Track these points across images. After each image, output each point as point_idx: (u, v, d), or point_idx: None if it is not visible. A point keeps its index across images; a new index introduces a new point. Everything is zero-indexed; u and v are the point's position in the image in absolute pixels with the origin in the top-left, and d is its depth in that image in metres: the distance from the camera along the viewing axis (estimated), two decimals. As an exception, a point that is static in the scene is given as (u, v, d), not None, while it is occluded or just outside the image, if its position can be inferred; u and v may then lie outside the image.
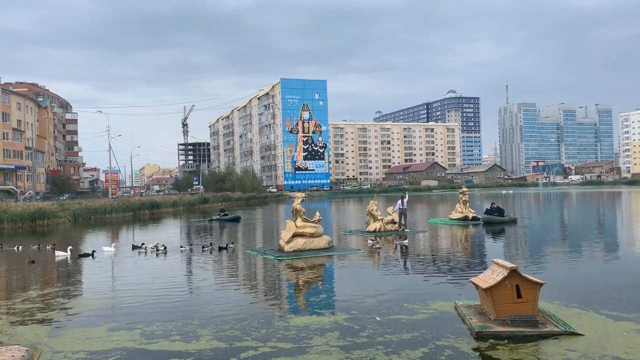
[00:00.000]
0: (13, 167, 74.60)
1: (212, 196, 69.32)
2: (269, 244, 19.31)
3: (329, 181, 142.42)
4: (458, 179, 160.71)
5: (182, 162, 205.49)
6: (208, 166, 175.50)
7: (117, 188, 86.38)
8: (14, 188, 68.27)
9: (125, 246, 20.40)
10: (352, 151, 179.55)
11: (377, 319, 8.22)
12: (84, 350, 7.03)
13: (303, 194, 18.31)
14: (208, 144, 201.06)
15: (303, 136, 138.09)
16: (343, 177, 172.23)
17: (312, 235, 16.75)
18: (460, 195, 27.39)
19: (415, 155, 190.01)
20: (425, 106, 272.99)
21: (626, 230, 23.29)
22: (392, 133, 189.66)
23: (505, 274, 7.42)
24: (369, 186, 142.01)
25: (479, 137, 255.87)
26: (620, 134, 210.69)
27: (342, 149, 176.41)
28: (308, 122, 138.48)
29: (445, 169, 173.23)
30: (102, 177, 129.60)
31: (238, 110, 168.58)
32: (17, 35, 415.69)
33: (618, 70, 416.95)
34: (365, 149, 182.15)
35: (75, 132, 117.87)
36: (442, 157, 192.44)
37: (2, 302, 10.47)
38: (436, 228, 24.75)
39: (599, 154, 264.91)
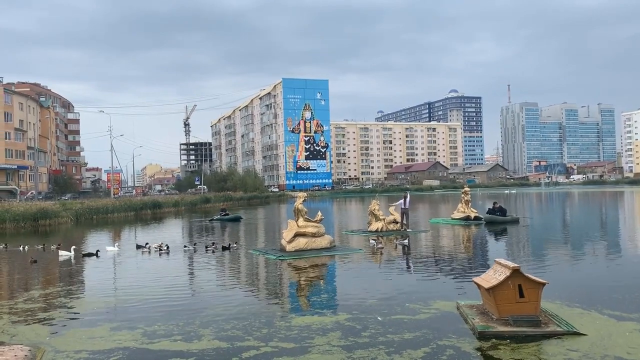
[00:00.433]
0: (15, 167, 74.72)
1: (214, 196, 69.38)
2: (270, 244, 19.32)
3: (330, 181, 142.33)
4: (460, 179, 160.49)
5: (184, 162, 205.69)
6: (210, 166, 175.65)
7: (119, 188, 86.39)
8: (16, 188, 68.40)
9: (128, 246, 20.44)
10: (354, 151, 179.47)
11: (379, 318, 8.21)
12: (86, 349, 7.03)
13: (305, 194, 18.30)
14: (210, 143, 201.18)
15: (305, 136, 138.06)
16: (345, 177, 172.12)
17: (314, 235, 16.74)
18: (463, 195, 27.37)
19: (417, 155, 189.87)
20: (427, 106, 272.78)
21: (628, 230, 23.25)
22: (394, 133, 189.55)
23: (508, 273, 7.41)
24: (370, 186, 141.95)
25: (481, 136, 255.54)
26: (623, 134, 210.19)
27: (343, 149, 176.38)
28: (310, 122, 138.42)
29: (447, 168, 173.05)
30: (104, 177, 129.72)
31: (240, 110, 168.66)
32: (19, 35, 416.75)
33: (620, 69, 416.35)
34: (367, 148, 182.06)
35: (77, 132, 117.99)
36: (444, 156, 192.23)
37: (4, 301, 10.48)
38: (438, 228, 24.72)
39: (601, 153, 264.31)
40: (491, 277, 7.83)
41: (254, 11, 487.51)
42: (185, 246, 18.98)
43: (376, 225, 22.28)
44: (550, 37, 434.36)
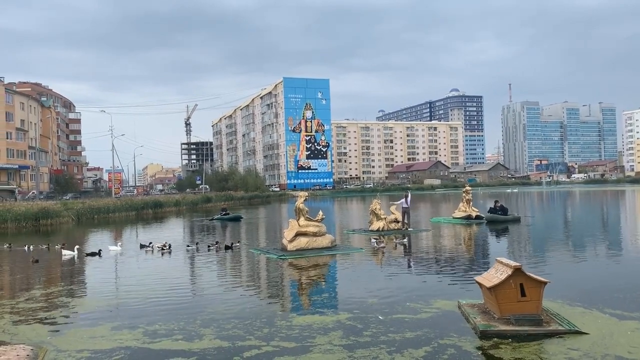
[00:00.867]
0: (17, 166, 74.80)
1: (215, 195, 69.41)
2: (272, 243, 19.32)
3: (331, 180, 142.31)
4: (461, 178, 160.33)
5: (185, 162, 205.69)
6: (211, 165, 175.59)
7: (120, 187, 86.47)
8: (14, 187, 68.40)
9: (130, 245, 20.47)
10: (355, 150, 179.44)
11: (380, 318, 8.20)
12: (88, 349, 7.03)
13: (306, 193, 18.30)
14: (211, 143, 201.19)
15: (306, 135, 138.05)
16: (346, 176, 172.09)
17: (315, 234, 16.74)
18: (464, 194, 27.36)
19: (418, 154, 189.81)
20: (428, 105, 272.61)
21: (630, 229, 23.22)
22: (395, 132, 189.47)
23: (510, 272, 7.40)
24: (371, 185, 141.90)
25: (482, 135, 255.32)
26: (624, 133, 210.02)
27: (344, 148, 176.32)
28: (311, 121, 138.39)
29: (448, 167, 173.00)
30: (105, 177, 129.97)
31: (241, 109, 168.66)
32: (20, 35, 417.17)
33: (622, 68, 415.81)
34: (368, 147, 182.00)
35: (78, 132, 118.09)
36: (445, 155, 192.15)
37: (5, 301, 10.49)
38: (439, 227, 24.71)
39: (603, 152, 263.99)
40: (493, 276, 7.82)
41: (255, 11, 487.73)
42: (188, 245, 19.02)
43: (377, 225, 22.27)
44: (551, 36, 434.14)
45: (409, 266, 14.11)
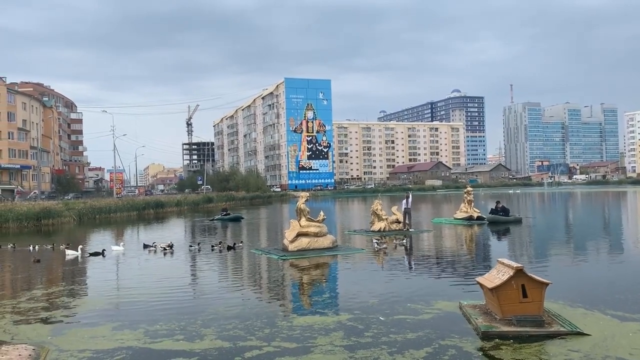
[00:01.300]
0: (18, 166, 74.90)
1: (216, 195, 69.45)
2: (273, 244, 19.31)
3: (333, 181, 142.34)
4: (462, 179, 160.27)
5: (186, 162, 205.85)
6: (212, 166, 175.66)
7: (122, 187, 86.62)
8: (14, 187, 68.43)
9: (132, 245, 20.49)
10: (356, 151, 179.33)
11: (381, 318, 8.20)
12: (90, 349, 7.04)
13: (307, 194, 18.30)
14: (212, 143, 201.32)
15: (307, 136, 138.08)
16: (347, 177, 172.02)
17: (316, 235, 16.73)
18: (465, 195, 27.34)
19: (419, 154, 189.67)
20: (430, 105, 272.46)
21: (631, 230, 23.19)
22: (396, 132, 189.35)
23: (511, 273, 7.39)
24: (372, 186, 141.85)
25: (484, 136, 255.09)
26: (626, 134, 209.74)
27: (346, 149, 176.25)
28: (312, 122, 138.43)
29: (449, 168, 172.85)
30: (107, 177, 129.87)
31: (242, 109, 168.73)
32: (22, 35, 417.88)
33: (623, 69, 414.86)
34: (369, 148, 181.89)
35: (80, 132, 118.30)
36: (446, 156, 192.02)
37: (6, 301, 10.50)
38: (441, 228, 24.69)
39: (604, 153, 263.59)
40: (494, 277, 7.82)
41: (257, 11, 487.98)
42: (190, 246, 19.06)
43: (379, 225, 22.26)
44: (553, 36, 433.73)
45: (410, 267, 14.10)
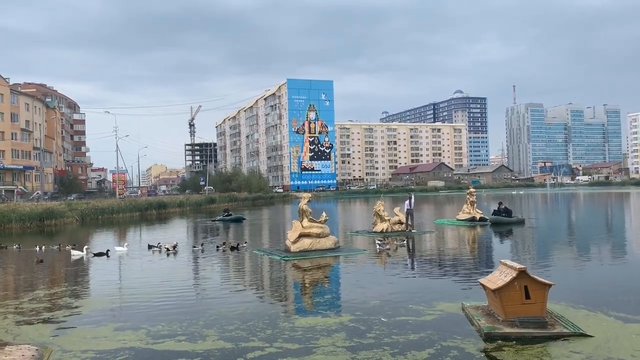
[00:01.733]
0: (21, 167, 75.10)
1: (218, 196, 69.54)
2: (275, 244, 19.32)
3: (335, 181, 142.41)
4: (465, 180, 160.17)
5: (189, 163, 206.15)
6: (215, 166, 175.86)
7: (125, 188, 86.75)
8: (15, 187, 68.55)
9: (135, 246, 20.53)
10: (359, 151, 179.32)
11: (383, 320, 8.19)
12: (92, 349, 7.05)
13: (309, 195, 18.32)
14: (215, 144, 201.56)
15: (309, 136, 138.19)
16: (349, 178, 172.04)
17: (318, 236, 16.73)
18: (468, 196, 27.30)
19: (421, 155, 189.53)
20: (432, 106, 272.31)
21: (634, 232, 23.13)
22: (399, 133, 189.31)
23: (514, 274, 7.38)
24: (375, 187, 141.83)
25: (486, 137, 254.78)
26: (629, 135, 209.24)
27: (348, 150, 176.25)
28: (314, 123, 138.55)
29: (452, 169, 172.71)
30: (110, 177, 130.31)
31: (244, 110, 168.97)
32: (25, 35, 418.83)
33: (626, 70, 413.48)
34: (371, 149, 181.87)
35: (82, 133, 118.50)
36: (448, 157, 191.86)
37: (9, 301, 10.53)
38: (443, 229, 24.67)
39: (607, 154, 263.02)
40: (497, 278, 7.81)
41: (259, 11, 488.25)
42: (194, 246, 19.10)
43: (381, 226, 22.24)
44: (556, 37, 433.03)
45: (413, 268, 14.09)
